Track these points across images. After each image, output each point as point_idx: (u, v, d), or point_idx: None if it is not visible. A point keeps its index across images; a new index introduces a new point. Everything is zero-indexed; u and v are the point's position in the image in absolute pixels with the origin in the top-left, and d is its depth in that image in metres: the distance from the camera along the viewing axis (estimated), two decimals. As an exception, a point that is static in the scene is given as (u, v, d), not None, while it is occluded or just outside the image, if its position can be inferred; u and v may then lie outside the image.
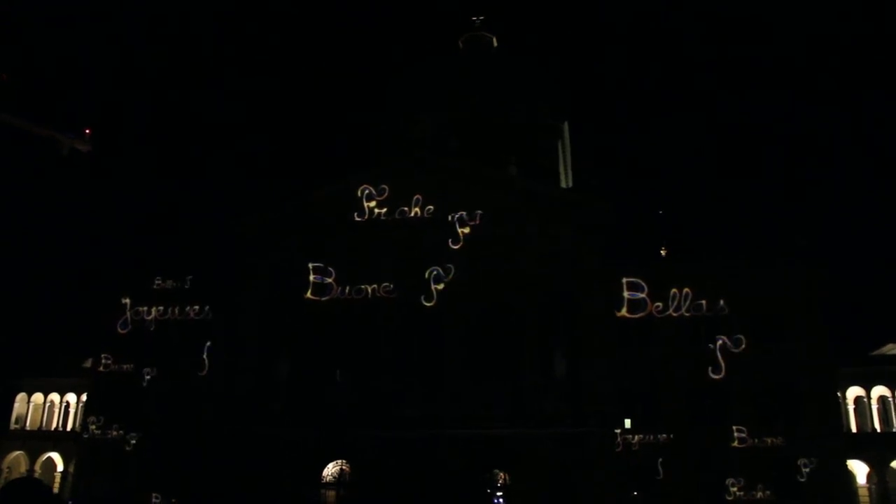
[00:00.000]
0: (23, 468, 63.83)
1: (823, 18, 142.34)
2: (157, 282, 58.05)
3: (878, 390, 54.54)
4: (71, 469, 60.44)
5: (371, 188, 53.17)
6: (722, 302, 50.68)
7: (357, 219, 52.99)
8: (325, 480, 49.44)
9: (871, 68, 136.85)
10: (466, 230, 51.29)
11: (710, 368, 50.00)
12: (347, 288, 51.88)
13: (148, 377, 56.13)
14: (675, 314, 51.07)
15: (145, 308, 57.65)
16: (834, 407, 50.59)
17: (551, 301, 49.86)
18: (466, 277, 50.19)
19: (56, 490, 58.91)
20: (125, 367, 57.07)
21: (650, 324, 51.15)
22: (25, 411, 65.56)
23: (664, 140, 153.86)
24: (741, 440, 48.96)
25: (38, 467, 63.32)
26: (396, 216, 52.51)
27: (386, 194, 52.94)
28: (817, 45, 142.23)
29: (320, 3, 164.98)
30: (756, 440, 48.84)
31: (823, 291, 51.97)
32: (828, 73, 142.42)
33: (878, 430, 53.98)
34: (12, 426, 65.01)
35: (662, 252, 61.99)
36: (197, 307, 56.81)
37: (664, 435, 49.64)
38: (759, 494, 47.94)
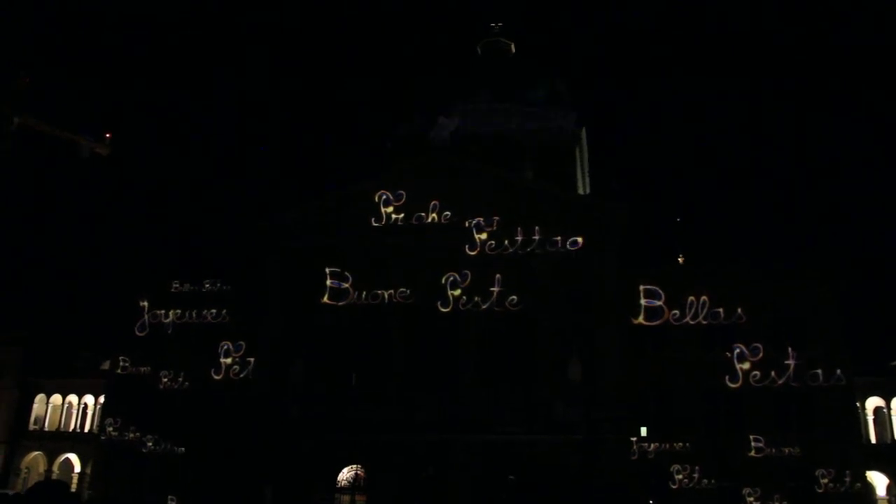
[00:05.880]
0: (41, 469, 64.36)
1: (845, 21, 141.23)
2: (174, 285, 58.39)
3: (898, 401, 53.88)
4: (88, 470, 60.84)
5: (388, 193, 53.25)
6: (739, 310, 50.27)
7: (374, 224, 53.08)
8: (339, 485, 49.51)
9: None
10: (483, 236, 51.26)
11: (726, 377, 49.63)
12: (364, 293, 51.98)
13: (165, 380, 56.44)
14: (691, 322, 50.70)
15: (163, 311, 57.99)
16: (852, 417, 50.03)
17: (567, 307, 49.77)
18: (482, 283, 50.15)
19: (73, 491, 59.30)
20: (142, 369, 57.46)
21: (666, 331, 50.84)
22: (44, 412, 66.16)
23: (682, 147, 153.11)
24: (758, 449, 48.53)
25: (55, 468, 63.81)
26: (413, 221, 52.52)
27: (403, 199, 53.00)
28: (844, 50, 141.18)
29: (341, 8, 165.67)
30: (773, 449, 48.39)
31: (843, 300, 51.52)
32: (853, 82, 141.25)
33: (899, 442, 53.31)
34: (31, 427, 65.58)
35: (680, 259, 61.69)
36: (214, 311, 57.04)
37: (680, 443, 49.34)
38: (776, 505, 47.59)
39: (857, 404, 51.78)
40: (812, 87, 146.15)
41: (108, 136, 36.04)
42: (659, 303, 50.75)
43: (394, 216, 53.01)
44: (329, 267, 52.50)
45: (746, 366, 49.70)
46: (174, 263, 63.68)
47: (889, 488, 52.24)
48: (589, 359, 47.21)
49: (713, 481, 48.38)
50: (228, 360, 55.09)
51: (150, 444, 55.48)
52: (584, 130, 71.56)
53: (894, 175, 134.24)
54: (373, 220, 53.15)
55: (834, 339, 50.19)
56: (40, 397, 66.25)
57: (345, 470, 49.67)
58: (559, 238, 50.52)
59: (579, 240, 50.35)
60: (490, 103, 65.71)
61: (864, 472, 49.13)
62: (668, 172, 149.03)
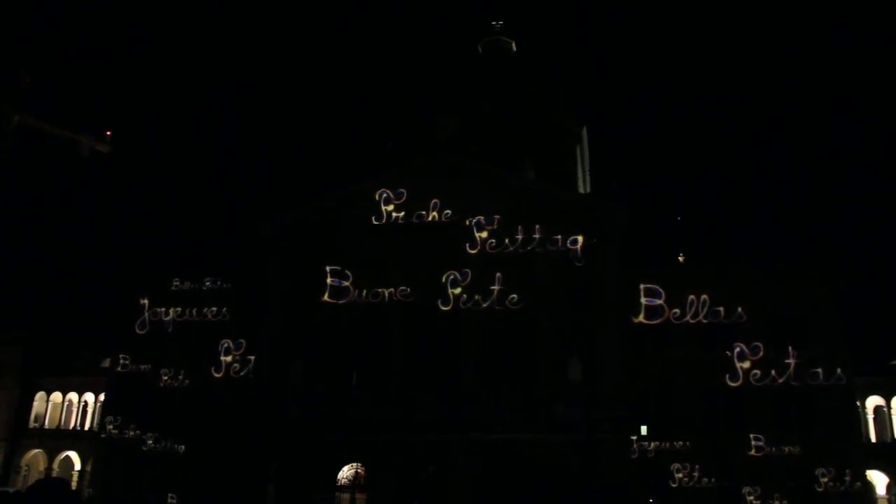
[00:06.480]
0: (41, 466, 64.42)
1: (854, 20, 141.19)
2: (175, 283, 58.43)
3: (898, 400, 53.90)
4: (88, 468, 60.90)
5: (389, 192, 53.26)
6: (739, 309, 50.27)
7: (375, 222, 53.09)
8: (339, 483, 49.54)
9: None
10: (484, 234, 51.27)
11: (727, 376, 49.65)
12: (364, 291, 51.97)
13: (165, 378, 56.47)
14: (692, 321, 50.70)
15: (163, 309, 57.99)
16: (852, 416, 50.08)
17: (567, 307, 49.76)
18: (483, 282, 50.15)
19: (73, 489, 59.33)
20: (143, 367, 57.50)
21: (666, 330, 50.83)
22: (44, 410, 66.20)
23: (682, 147, 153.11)
24: (758, 448, 48.56)
25: (55, 466, 63.88)
26: (414, 220, 52.52)
27: (404, 198, 53.02)
28: (844, 50, 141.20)
29: (341, 8, 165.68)
30: (773, 448, 48.43)
31: (843, 300, 51.57)
32: (853, 82, 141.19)
33: (899, 441, 53.33)
34: (31, 425, 65.62)
35: (680, 258, 61.70)
36: (214, 309, 57.05)
37: (680, 442, 49.37)
38: (776, 504, 47.64)
39: (858, 403, 51.85)
40: (812, 87, 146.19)
41: (108, 134, 36.05)
42: (659, 301, 50.72)
43: (394, 214, 53.00)
44: (329, 265, 52.51)
45: (747, 365, 49.72)
46: (175, 261, 63.80)
47: (889, 487, 52.28)
48: (589, 359, 47.19)
49: (713, 480, 48.43)
50: (229, 359, 55.12)
51: (151, 442, 55.50)
52: (584, 130, 71.55)
53: (894, 175, 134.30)
54: (373, 218, 53.15)
55: (834, 339, 50.21)
56: (40, 395, 66.30)
57: (345, 468, 49.67)
58: (559, 237, 50.52)
59: (579, 239, 50.35)
60: (490, 102, 65.63)
61: (864, 471, 49.20)
62: (668, 172, 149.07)
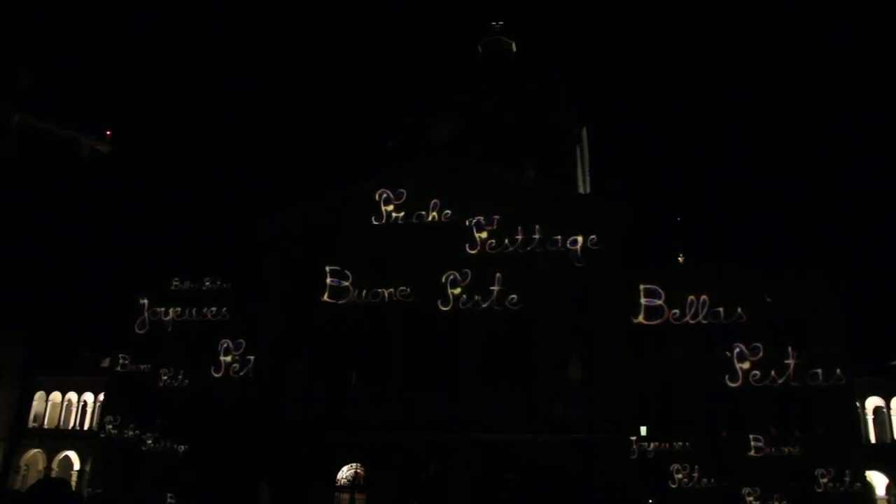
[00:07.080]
0: (40, 466, 64.35)
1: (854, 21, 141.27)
2: (174, 283, 58.42)
3: (898, 401, 53.91)
4: (87, 468, 60.85)
5: (389, 192, 53.27)
6: (739, 310, 50.27)
7: (374, 222, 53.09)
8: (339, 483, 49.53)
9: None
10: (483, 234, 51.27)
11: (726, 376, 49.65)
12: (364, 291, 51.97)
13: (165, 378, 56.44)
14: (691, 321, 50.71)
15: (163, 309, 57.96)
16: (852, 417, 50.11)
17: (567, 307, 49.75)
18: (482, 282, 50.15)
19: (73, 489, 59.27)
20: (142, 367, 57.46)
21: (666, 331, 50.83)
22: (43, 409, 66.09)
23: (682, 147, 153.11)
24: (758, 449, 48.58)
25: (55, 465, 63.79)
26: (414, 220, 52.54)
27: (404, 198, 53.02)
28: (844, 50, 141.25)
29: (341, 7, 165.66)
30: (773, 449, 48.46)
31: (843, 300, 51.62)
32: (853, 82, 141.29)
33: (898, 441, 53.33)
34: (30, 424, 65.51)
35: (680, 259, 61.69)
36: (214, 309, 57.02)
37: (679, 442, 49.38)
38: (776, 504, 47.63)
39: (857, 404, 51.90)
40: (812, 87, 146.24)
41: (108, 133, 35.95)
42: (659, 302, 50.71)
43: (394, 214, 53.01)
44: (329, 265, 52.50)
45: (746, 365, 49.73)
46: (174, 261, 63.72)
47: (888, 488, 52.30)
48: (589, 359, 47.28)
49: (713, 481, 48.44)
50: (228, 359, 55.07)
51: (150, 441, 55.47)
52: (584, 130, 71.55)
53: (894, 175, 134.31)
54: (373, 218, 53.15)
55: (834, 339, 50.26)
56: (40, 394, 66.19)
57: (344, 468, 49.67)
58: (559, 237, 50.52)
59: (579, 239, 50.35)
60: (490, 102, 65.63)
61: (864, 472, 49.22)
62: (668, 172, 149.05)
